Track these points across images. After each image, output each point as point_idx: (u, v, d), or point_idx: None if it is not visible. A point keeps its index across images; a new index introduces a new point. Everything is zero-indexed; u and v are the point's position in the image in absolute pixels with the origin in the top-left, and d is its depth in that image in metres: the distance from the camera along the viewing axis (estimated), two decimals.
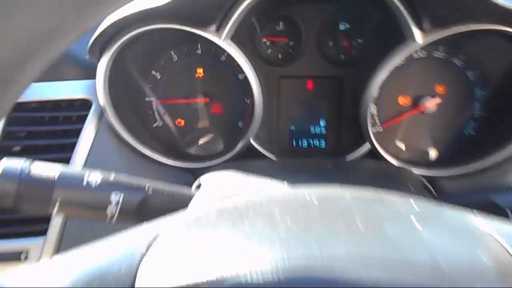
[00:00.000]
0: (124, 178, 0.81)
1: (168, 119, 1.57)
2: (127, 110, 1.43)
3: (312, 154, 1.55)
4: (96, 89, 1.32)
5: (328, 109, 1.54)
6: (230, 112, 1.54)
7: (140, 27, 1.18)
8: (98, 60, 1.26)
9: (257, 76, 1.35)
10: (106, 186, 0.77)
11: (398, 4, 1.11)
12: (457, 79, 1.43)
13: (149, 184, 0.81)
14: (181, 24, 1.15)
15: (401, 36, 1.21)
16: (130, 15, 1.11)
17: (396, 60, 1.20)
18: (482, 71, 1.41)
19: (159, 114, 1.57)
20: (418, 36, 1.14)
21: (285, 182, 0.93)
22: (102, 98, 1.28)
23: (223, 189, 0.93)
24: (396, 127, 1.49)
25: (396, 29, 1.24)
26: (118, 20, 1.12)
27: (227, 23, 1.16)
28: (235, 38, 1.26)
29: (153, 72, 1.52)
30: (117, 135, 1.37)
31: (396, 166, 1.33)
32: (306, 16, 1.45)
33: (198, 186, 0.97)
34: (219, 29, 1.18)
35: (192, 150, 1.58)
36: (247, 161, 1.22)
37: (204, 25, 1.16)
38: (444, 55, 1.42)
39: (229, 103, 1.53)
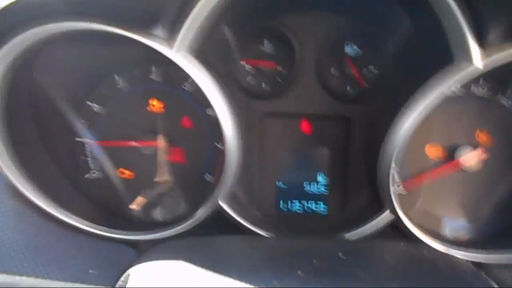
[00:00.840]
0: None
1: (107, 169, 1.12)
2: (39, 157, 0.98)
3: (307, 223, 1.12)
4: None
5: (330, 160, 1.13)
6: (195, 160, 1.13)
7: (30, 28, 0.74)
8: None
9: (232, 111, 0.94)
10: None
11: (452, 4, 0.72)
12: (504, 123, 1.05)
13: None
14: (101, 22, 0.73)
15: (444, 58, 0.82)
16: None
17: (438, 90, 0.80)
18: None
19: (94, 161, 1.12)
20: (477, 55, 0.75)
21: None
22: None
23: None
24: (423, 187, 1.08)
25: (434, 49, 0.86)
26: None
27: (181, 26, 0.74)
28: (200, 54, 0.85)
29: (89, 103, 1.10)
30: (20, 195, 0.92)
31: (434, 250, 0.90)
32: (301, 32, 1.06)
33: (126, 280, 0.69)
34: (171, 36, 0.76)
35: (139, 213, 1.12)
36: (210, 238, 0.78)
37: (144, 27, 0.73)
38: (484, 89, 1.04)
39: (194, 149, 1.12)
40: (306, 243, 0.73)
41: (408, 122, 0.86)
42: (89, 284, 0.84)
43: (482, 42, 0.74)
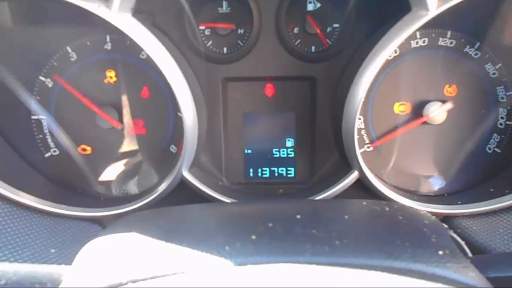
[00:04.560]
0: None
1: (67, 145, 1.08)
2: None
3: (277, 188, 1.10)
4: None
5: (297, 123, 1.10)
6: (159, 132, 1.08)
7: None
8: None
9: (189, 77, 0.90)
10: None
11: None
12: (472, 76, 1.02)
13: None
14: None
15: (401, 9, 0.78)
16: None
17: (394, 41, 0.77)
18: (507, 63, 1.01)
19: (53, 139, 1.08)
20: (433, 2, 0.72)
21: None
22: None
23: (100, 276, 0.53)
24: (391, 145, 1.06)
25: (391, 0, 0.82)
26: None
27: None
28: (148, 17, 0.80)
29: (42, 78, 1.04)
30: None
31: (399, 204, 0.90)
32: None
33: None
34: None
35: (105, 189, 1.09)
36: (170, 207, 0.74)
37: None
38: (453, 42, 1.01)
39: (157, 120, 1.07)
40: (266, 207, 0.71)
41: (367, 77, 0.84)
42: (49, 263, 0.81)
43: None
